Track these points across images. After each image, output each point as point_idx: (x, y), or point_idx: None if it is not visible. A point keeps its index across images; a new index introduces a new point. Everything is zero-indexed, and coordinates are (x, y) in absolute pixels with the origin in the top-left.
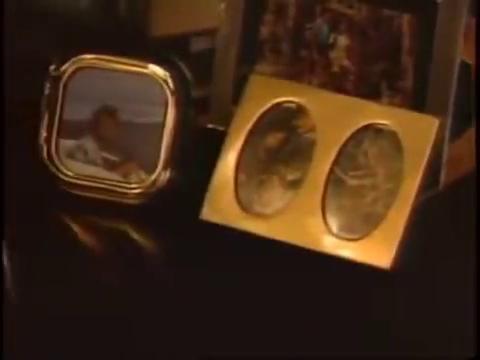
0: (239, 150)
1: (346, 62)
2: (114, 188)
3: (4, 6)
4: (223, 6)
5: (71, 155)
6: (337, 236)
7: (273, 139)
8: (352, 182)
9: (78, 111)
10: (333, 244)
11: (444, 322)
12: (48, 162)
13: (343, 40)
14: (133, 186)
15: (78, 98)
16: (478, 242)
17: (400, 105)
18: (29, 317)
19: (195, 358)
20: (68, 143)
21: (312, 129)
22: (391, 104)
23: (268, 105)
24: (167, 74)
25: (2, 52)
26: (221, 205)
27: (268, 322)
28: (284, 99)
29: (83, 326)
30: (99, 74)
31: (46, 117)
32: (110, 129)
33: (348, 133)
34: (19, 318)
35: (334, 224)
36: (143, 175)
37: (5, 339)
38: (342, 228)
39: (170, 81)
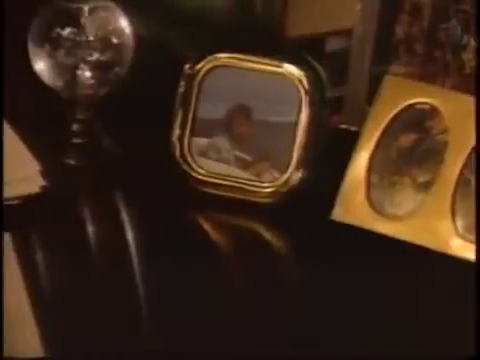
0: (371, 151)
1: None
2: (246, 187)
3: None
4: (359, 6)
5: (204, 153)
6: (465, 239)
7: (406, 140)
8: None
9: (212, 109)
10: (461, 247)
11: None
12: (180, 160)
13: (475, 42)
14: (265, 185)
15: (212, 96)
16: (478, 241)
17: None
18: (161, 314)
19: (323, 356)
20: (201, 141)
21: (445, 131)
22: None
23: (401, 106)
24: (302, 74)
25: (2, 52)
26: (353, 206)
27: (395, 322)
28: (417, 100)
29: (213, 325)
30: (234, 73)
31: (180, 115)
32: (244, 128)
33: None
34: (150, 314)
35: (462, 227)
36: (275, 174)
37: (141, 339)
38: (470, 231)
39: (305, 81)
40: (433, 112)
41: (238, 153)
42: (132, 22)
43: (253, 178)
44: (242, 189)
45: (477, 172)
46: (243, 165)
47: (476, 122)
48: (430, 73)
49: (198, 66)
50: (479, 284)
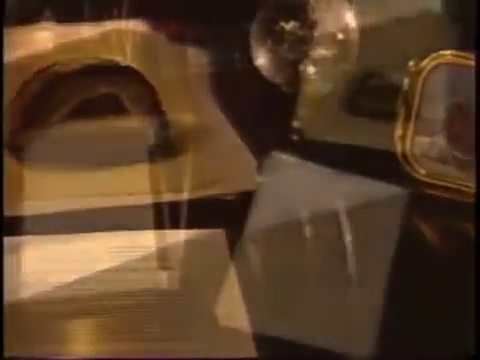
0: None
1: None
2: (464, 188)
3: None
4: None
5: (425, 153)
6: None
7: None
8: None
9: (434, 108)
10: None
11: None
12: (402, 160)
13: None
14: None
15: (434, 95)
16: (478, 242)
17: None
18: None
19: None
20: (423, 140)
21: None
22: None
23: None
24: None
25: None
26: None
27: None
28: None
29: (437, 326)
30: (455, 71)
31: (403, 114)
32: (462, 127)
33: None
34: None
35: None
36: None
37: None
38: None
39: None
40: None
41: (456, 153)
42: (357, 17)
43: (471, 180)
44: (459, 191)
45: (477, 173)
46: (461, 165)
47: (476, 122)
48: None
49: (423, 63)
50: (479, 285)
